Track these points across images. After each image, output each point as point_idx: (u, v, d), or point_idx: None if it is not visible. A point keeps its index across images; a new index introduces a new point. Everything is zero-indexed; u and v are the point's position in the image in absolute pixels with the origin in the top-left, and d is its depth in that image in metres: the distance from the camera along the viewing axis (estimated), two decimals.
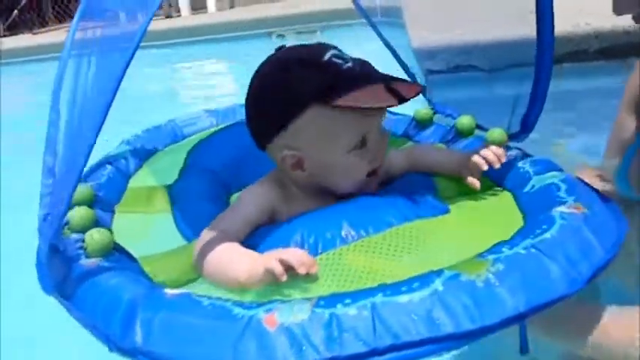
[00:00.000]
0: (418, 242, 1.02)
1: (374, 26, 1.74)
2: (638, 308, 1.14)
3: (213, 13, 8.26)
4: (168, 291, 0.90)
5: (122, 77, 0.83)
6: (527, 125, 1.36)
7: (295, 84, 1.09)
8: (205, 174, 1.42)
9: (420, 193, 1.17)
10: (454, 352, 0.95)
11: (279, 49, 1.20)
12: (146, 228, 1.24)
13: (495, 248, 0.90)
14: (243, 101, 1.21)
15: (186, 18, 8.28)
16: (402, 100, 1.08)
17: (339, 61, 1.09)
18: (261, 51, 1.28)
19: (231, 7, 8.76)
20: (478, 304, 0.80)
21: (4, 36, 9.24)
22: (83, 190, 1.21)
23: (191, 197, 1.31)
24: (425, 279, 0.83)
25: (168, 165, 1.47)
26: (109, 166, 1.39)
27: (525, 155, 1.28)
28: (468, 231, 1.08)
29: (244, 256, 0.99)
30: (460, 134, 1.50)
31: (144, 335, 0.82)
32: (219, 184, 1.38)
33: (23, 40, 8.43)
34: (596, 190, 1.11)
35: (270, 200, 1.16)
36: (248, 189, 1.20)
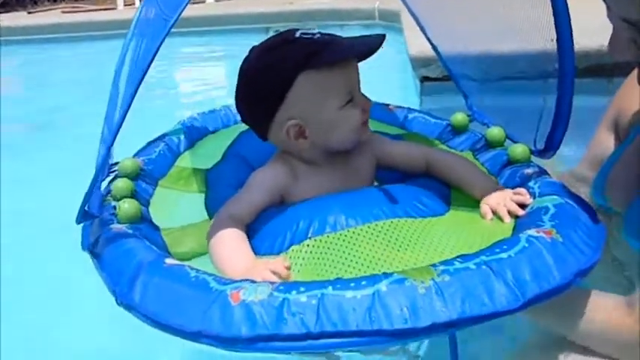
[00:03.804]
0: (391, 239, 1.09)
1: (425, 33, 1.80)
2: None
3: (210, 4, 8.26)
4: (168, 260, 1.03)
5: (149, 63, 0.96)
6: (552, 144, 1.33)
7: (279, 61, 1.20)
8: (241, 161, 1.53)
9: (424, 193, 1.23)
10: None
11: (252, 49, 1.29)
12: (179, 204, 1.38)
13: (450, 261, 0.95)
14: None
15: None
16: (371, 49, 1.22)
17: (310, 35, 1.22)
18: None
19: None
20: (414, 308, 0.86)
21: None
22: (130, 163, 1.35)
23: (223, 183, 1.43)
24: (373, 279, 0.91)
25: (214, 149, 1.59)
26: (161, 144, 1.53)
27: (540, 175, 1.27)
28: (446, 239, 1.10)
29: (241, 259, 1.10)
30: (489, 145, 1.50)
31: (140, 295, 0.97)
32: (251, 171, 1.47)
33: (19, 19, 8.39)
34: (591, 220, 1.08)
35: (279, 181, 1.26)
36: (257, 172, 1.30)
